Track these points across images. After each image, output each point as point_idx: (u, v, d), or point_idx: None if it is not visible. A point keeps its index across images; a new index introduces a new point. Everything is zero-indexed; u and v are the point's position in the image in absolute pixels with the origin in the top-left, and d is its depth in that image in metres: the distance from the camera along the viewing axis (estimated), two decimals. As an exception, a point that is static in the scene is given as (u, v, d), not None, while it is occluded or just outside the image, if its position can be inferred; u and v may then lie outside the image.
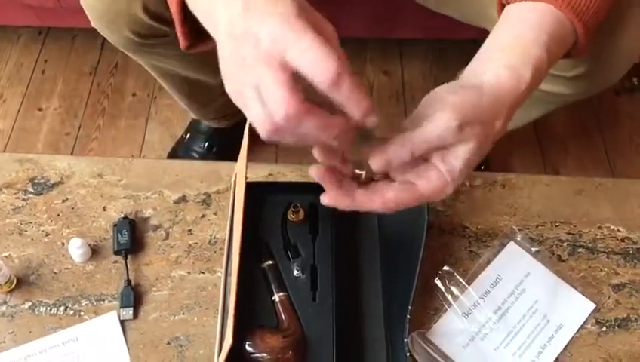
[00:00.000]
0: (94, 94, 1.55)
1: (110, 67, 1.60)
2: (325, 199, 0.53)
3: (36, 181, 0.80)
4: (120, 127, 1.50)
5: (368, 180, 0.54)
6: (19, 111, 1.51)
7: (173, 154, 1.40)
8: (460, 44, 1.42)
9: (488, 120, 0.52)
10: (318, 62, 0.44)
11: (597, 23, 0.60)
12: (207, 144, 1.36)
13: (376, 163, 0.51)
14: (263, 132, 0.47)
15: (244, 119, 0.58)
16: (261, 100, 0.45)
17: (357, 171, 0.53)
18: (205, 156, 1.35)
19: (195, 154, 1.37)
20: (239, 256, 0.65)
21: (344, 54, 0.47)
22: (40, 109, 1.52)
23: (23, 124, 1.49)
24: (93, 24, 0.87)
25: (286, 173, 0.81)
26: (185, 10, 0.56)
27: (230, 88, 0.49)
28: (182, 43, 0.63)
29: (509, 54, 0.55)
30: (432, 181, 0.52)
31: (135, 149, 1.45)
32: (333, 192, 0.53)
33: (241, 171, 0.67)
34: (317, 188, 0.72)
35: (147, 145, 1.46)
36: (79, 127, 1.49)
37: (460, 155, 0.51)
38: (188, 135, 1.39)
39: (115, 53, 1.62)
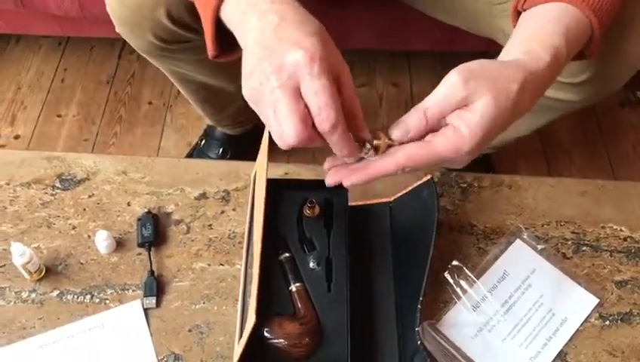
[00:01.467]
0: (112, 102, 1.60)
1: (127, 76, 1.65)
2: (344, 180, 0.58)
3: (63, 177, 0.84)
4: (136, 134, 1.54)
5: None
6: (39, 117, 1.56)
7: (188, 160, 1.44)
8: (468, 56, 1.45)
9: (498, 76, 0.54)
10: (321, 108, 0.51)
11: (610, 19, 0.63)
12: (221, 150, 1.40)
13: (395, 131, 0.55)
14: (278, 144, 0.54)
15: (258, 127, 0.63)
16: (277, 120, 0.52)
17: (374, 142, 0.57)
18: (219, 162, 1.39)
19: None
20: (261, 248, 0.69)
21: (353, 92, 0.55)
22: (59, 116, 1.57)
23: (42, 130, 1.54)
24: (117, 29, 0.91)
25: (301, 172, 0.85)
26: (217, 21, 0.60)
27: (248, 95, 0.55)
28: (210, 52, 0.65)
29: (527, 43, 0.58)
30: (448, 137, 0.54)
31: (151, 155, 1.49)
32: (345, 171, 0.58)
33: (261, 168, 0.71)
34: (332, 186, 0.76)
35: (163, 151, 1.50)
36: (97, 134, 1.54)
37: (474, 110, 0.53)
38: (203, 141, 1.44)
39: (131, 63, 1.67)
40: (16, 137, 1.52)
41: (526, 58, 0.57)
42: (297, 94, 0.52)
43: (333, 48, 0.54)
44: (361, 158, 0.58)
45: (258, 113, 0.55)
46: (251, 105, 0.55)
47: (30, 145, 1.50)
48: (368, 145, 0.56)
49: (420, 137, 0.56)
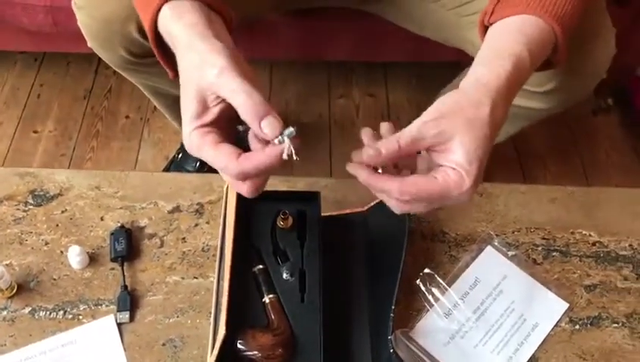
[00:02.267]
0: (88, 117, 1.60)
1: (104, 91, 1.65)
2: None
3: (36, 193, 0.84)
4: (113, 148, 1.54)
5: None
6: (15, 133, 1.55)
7: (166, 174, 1.44)
8: (442, 66, 1.48)
9: (467, 107, 0.56)
10: (223, 170, 0.57)
11: (574, 23, 0.64)
12: (198, 163, 1.40)
13: (368, 151, 0.57)
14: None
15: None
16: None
17: None
18: (196, 175, 1.39)
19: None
20: (231, 260, 0.69)
21: (249, 107, 0.56)
22: (36, 132, 1.56)
23: (19, 146, 1.53)
24: (89, 44, 0.91)
25: (274, 184, 0.85)
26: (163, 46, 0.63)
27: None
28: (170, 74, 0.68)
29: (489, 56, 0.60)
30: (449, 174, 0.56)
31: (129, 169, 1.49)
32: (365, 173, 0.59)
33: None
34: (305, 197, 0.77)
35: (140, 165, 1.50)
36: (74, 149, 1.53)
37: (455, 149, 0.56)
38: (180, 155, 1.44)
39: (108, 77, 1.67)
40: (-8, 153, 1.51)
41: (487, 71, 0.58)
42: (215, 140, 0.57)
43: (214, 86, 0.56)
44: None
45: None
46: None
47: (6, 162, 1.49)
48: None
49: (393, 162, 0.59)
